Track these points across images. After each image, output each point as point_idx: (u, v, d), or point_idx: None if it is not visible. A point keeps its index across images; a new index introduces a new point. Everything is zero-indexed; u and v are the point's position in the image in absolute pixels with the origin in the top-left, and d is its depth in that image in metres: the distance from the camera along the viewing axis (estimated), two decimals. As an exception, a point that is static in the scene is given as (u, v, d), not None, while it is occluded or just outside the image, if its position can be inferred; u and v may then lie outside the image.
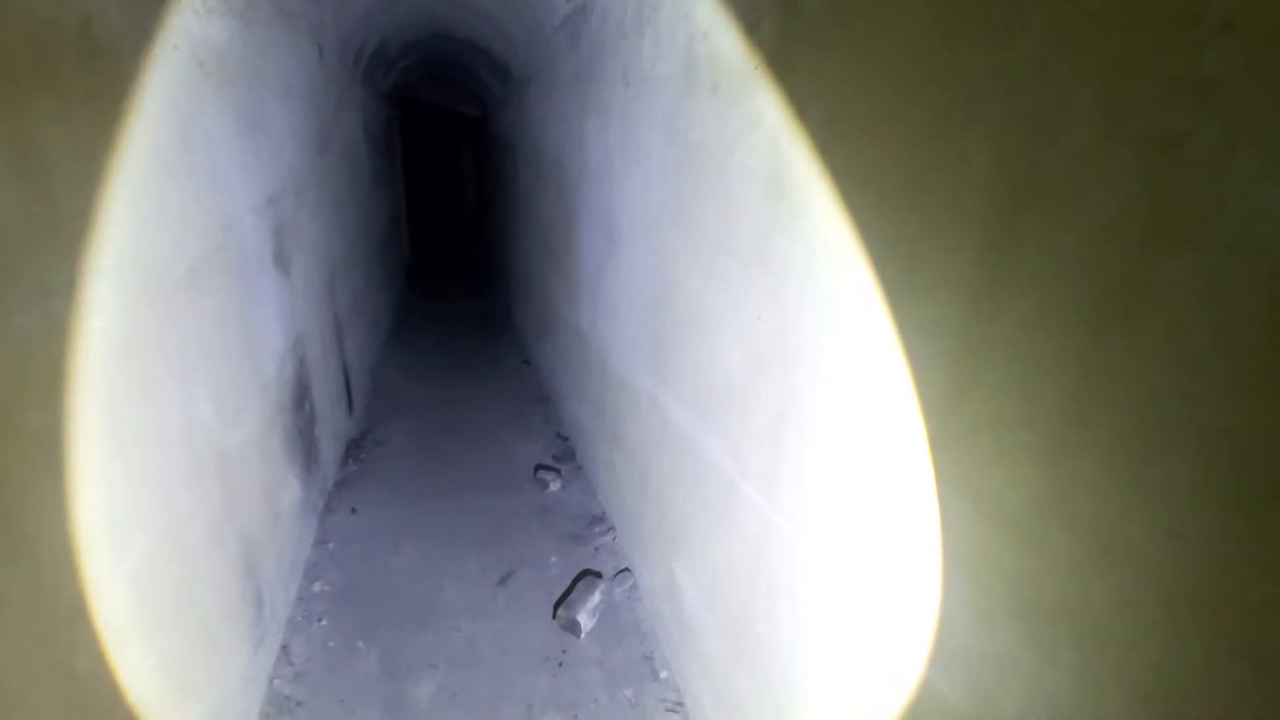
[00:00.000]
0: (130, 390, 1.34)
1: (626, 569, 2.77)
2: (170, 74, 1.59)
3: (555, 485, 3.45)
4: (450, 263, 9.80)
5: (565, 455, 3.79)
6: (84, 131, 1.20)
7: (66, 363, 1.12)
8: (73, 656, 1.12)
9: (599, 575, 2.72)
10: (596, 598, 2.53)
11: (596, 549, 2.97)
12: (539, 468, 3.60)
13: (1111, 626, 0.73)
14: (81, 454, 1.16)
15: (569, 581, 2.72)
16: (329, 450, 3.31)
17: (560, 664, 2.31)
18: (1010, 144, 0.81)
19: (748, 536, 1.63)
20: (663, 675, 2.28)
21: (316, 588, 2.63)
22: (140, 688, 1.32)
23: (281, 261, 2.56)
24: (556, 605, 2.56)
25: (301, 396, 2.79)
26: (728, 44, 1.53)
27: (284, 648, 2.30)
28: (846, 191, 1.14)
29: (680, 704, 2.17)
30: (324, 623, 2.45)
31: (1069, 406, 0.75)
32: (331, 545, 2.92)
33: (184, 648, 1.55)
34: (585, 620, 2.44)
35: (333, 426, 3.41)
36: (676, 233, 1.97)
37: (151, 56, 1.48)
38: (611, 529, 3.06)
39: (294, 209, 2.78)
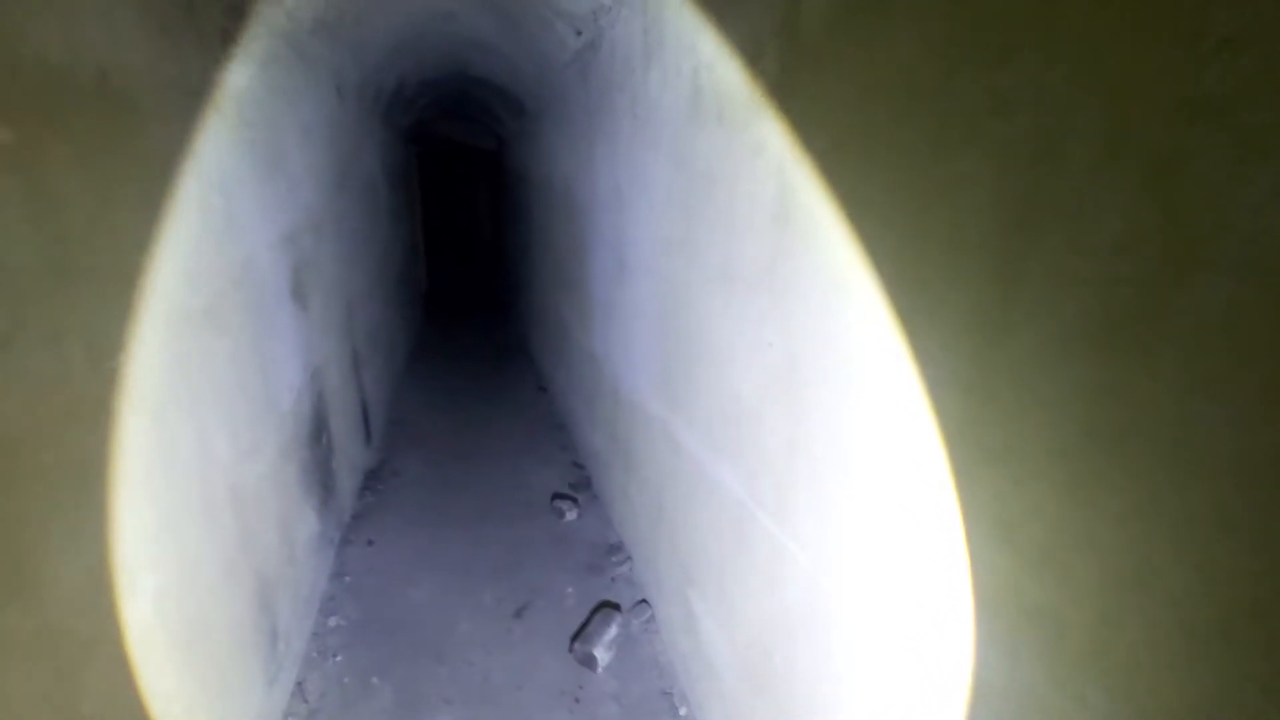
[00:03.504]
0: (144, 427, 1.36)
1: (644, 600, 2.72)
2: (187, 118, 1.64)
3: (572, 514, 3.42)
4: (467, 292, 9.93)
5: (581, 483, 3.77)
6: (100, 178, 1.24)
7: (79, 403, 1.14)
8: (79, 698, 1.11)
9: (616, 607, 2.67)
10: (613, 631, 2.48)
11: (613, 579, 2.92)
12: (555, 496, 3.58)
13: (1138, 663, 0.69)
14: (94, 491, 1.17)
15: (586, 613, 2.68)
16: (346, 482, 3.32)
17: (577, 699, 2.26)
18: (1012, 166, 0.79)
19: (763, 566, 1.59)
20: (682, 712, 2.22)
21: (332, 622, 2.61)
22: (151, 729, 1.31)
23: (300, 296, 2.60)
24: (573, 638, 2.51)
25: (319, 429, 2.82)
26: (731, 74, 1.54)
27: (299, 684, 2.28)
28: (851, 216, 1.14)
29: (700, 741, 2.11)
30: (339, 658, 2.43)
31: (1084, 434, 0.72)
32: (348, 578, 2.91)
33: (196, 687, 1.54)
34: (602, 654, 2.39)
35: (350, 458, 3.43)
36: (684, 259, 1.97)
37: (169, 103, 1.53)
38: (628, 558, 3.02)
39: (313, 245, 2.84)
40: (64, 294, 1.11)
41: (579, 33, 2.88)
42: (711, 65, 1.66)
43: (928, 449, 0.98)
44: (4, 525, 0.96)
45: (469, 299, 9.41)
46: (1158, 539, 0.65)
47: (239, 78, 2.01)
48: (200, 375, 1.65)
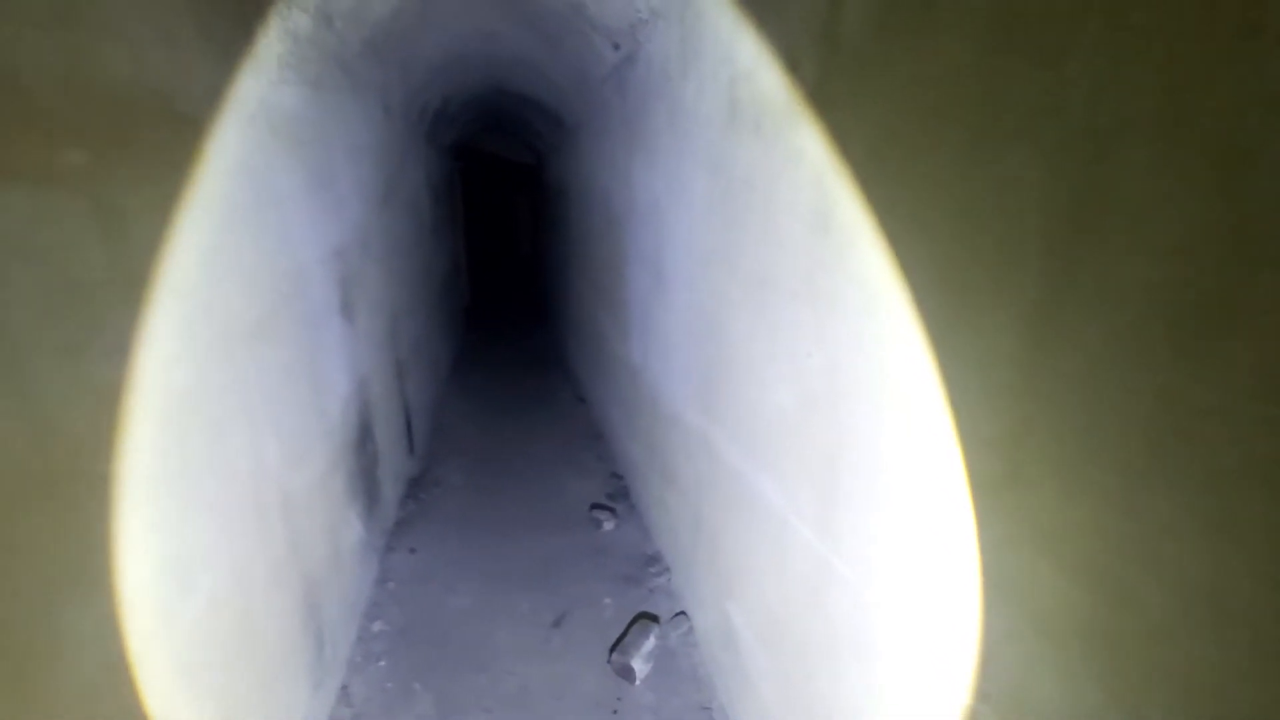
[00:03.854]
0: (200, 435, 1.42)
1: (682, 612, 2.69)
2: (245, 139, 1.71)
3: (609, 525, 3.42)
4: (506, 304, 10.09)
5: (619, 494, 3.77)
6: (163, 196, 1.31)
7: (141, 410, 1.19)
8: (137, 696, 1.16)
9: (654, 619, 2.65)
10: (651, 642, 2.46)
11: (651, 590, 2.90)
12: (593, 506, 3.58)
13: (1203, 684, 0.64)
14: (152, 496, 1.22)
15: (624, 624, 2.66)
16: (390, 490, 3.39)
17: (614, 711, 2.25)
18: (1064, 165, 0.76)
19: (804, 579, 1.56)
20: (721, 727, 2.18)
21: (376, 627, 2.66)
22: (203, 726, 1.35)
23: (347, 309, 2.69)
24: (611, 649, 2.50)
25: (364, 438, 2.89)
26: (769, 83, 1.54)
27: (343, 688, 2.33)
28: (892, 223, 1.11)
29: (740, 759, 2.07)
30: (383, 663, 2.47)
31: (1143, 443, 0.69)
32: (391, 584, 2.96)
33: (244, 688, 1.58)
34: (640, 666, 2.37)
35: (394, 466, 3.51)
36: (723, 269, 1.96)
37: (228, 124, 1.60)
38: (666, 570, 2.99)
39: (359, 260, 2.93)
40: (129, 306, 1.17)
41: (617, 47, 2.91)
42: (749, 75, 1.65)
43: (974, 458, 0.94)
44: (69, 527, 1.01)
45: (509, 311, 9.56)
46: (1227, 554, 0.61)
47: (292, 99, 2.10)
48: (254, 385, 1.71)
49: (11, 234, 0.91)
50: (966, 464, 0.96)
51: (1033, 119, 0.81)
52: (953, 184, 0.95)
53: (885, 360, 1.16)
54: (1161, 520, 0.68)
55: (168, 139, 1.33)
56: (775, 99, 1.51)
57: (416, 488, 3.88)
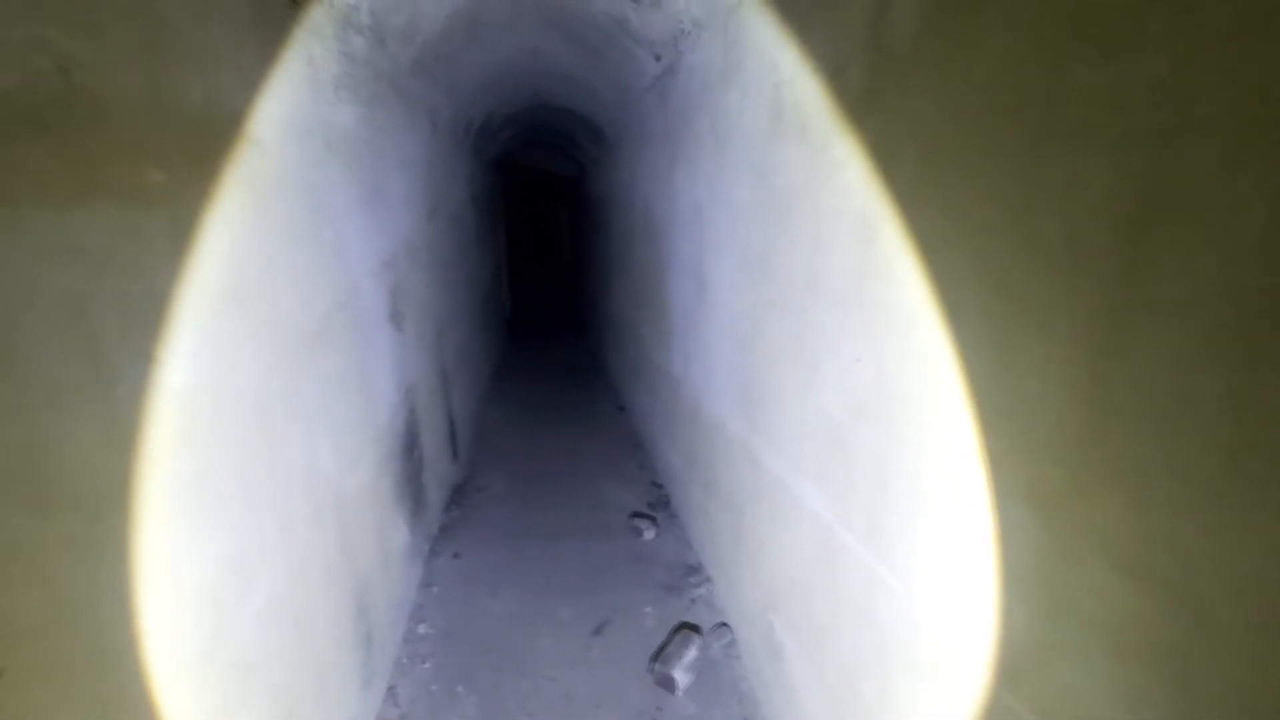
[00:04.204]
0: (260, 438, 1.48)
1: (724, 623, 2.67)
2: (304, 156, 1.79)
3: (650, 533, 3.41)
4: (547, 314, 10.22)
5: (659, 502, 3.76)
6: (232, 211, 1.38)
7: (207, 413, 1.26)
8: (202, 690, 1.21)
9: (696, 629, 2.63)
10: (693, 653, 2.44)
11: (692, 601, 2.89)
12: (633, 515, 3.58)
13: (1303, 719, 0.61)
14: (216, 497, 1.28)
15: (664, 634, 2.65)
16: (435, 495, 3.46)
17: (656, 722, 2.24)
18: (1128, 165, 0.74)
19: (852, 592, 1.53)
20: (764, 741, 2.14)
21: (421, 630, 2.72)
22: (262, 721, 1.40)
23: (396, 318, 2.77)
24: (652, 659, 2.49)
25: (411, 444, 2.96)
26: (815, 89, 1.53)
27: (390, 688, 2.38)
28: (945, 227, 1.09)
29: (784, 775, 2.03)
30: (428, 665, 2.52)
31: (1218, 452, 0.66)
32: (436, 588, 3.02)
33: (300, 685, 1.63)
34: (681, 677, 2.36)
35: (438, 473, 3.58)
36: (766, 276, 1.95)
37: (289, 142, 1.68)
38: (707, 580, 2.97)
39: (408, 270, 3.02)
40: (198, 314, 1.24)
41: (658, 58, 2.94)
42: (793, 82, 1.65)
43: (1033, 467, 0.92)
44: (145, 526, 1.07)
45: (549, 321, 9.68)
46: (1320, 574, 0.58)
47: (347, 117, 2.18)
48: (310, 390, 1.78)
49: (101, 248, 0.98)
50: (1025, 474, 0.93)
51: (1094, 118, 0.79)
52: (1010, 186, 0.93)
53: (938, 366, 1.13)
54: (1239, 534, 0.65)
55: (236, 157, 1.41)
56: (821, 105, 1.51)
57: (460, 494, 3.95)
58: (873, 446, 1.39)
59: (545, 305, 10.98)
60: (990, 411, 1.01)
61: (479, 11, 2.98)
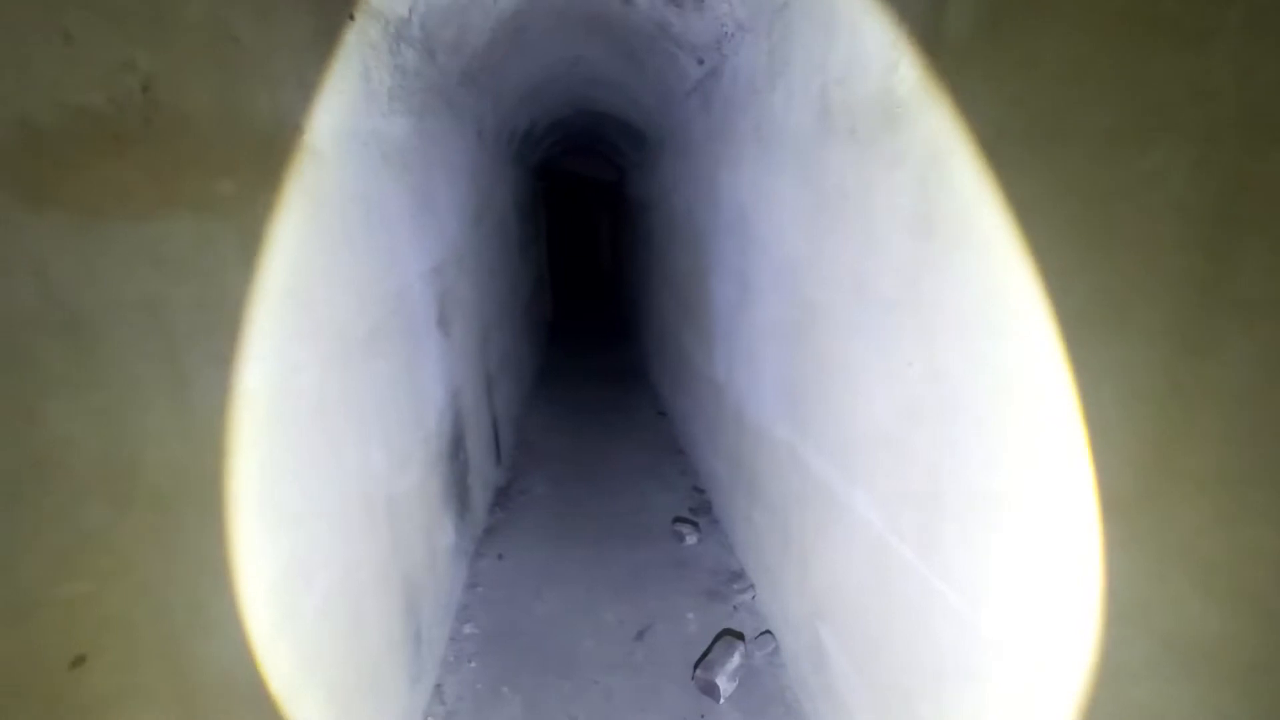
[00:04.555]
0: (319, 438, 1.53)
1: (768, 631, 2.63)
2: (360, 166, 1.85)
3: (692, 539, 3.39)
4: (588, 319, 10.30)
5: (701, 508, 3.74)
6: (294, 219, 1.43)
7: (272, 415, 1.30)
8: (265, 682, 1.25)
9: (739, 636, 2.61)
10: (736, 660, 2.42)
11: (735, 608, 2.86)
12: (675, 520, 3.57)
13: None
14: (280, 496, 1.33)
15: (707, 640, 2.63)
16: (479, 497, 3.52)
17: (700, 729, 2.22)
18: (1213, 156, 0.71)
19: (906, 603, 1.49)
20: (811, 753, 2.10)
21: (467, 629, 2.76)
22: (314, 718, 1.44)
23: (443, 323, 2.83)
24: (695, 665, 2.48)
25: (457, 446, 3.02)
26: (865, 87, 1.51)
27: (438, 686, 2.42)
28: (1010, 222, 1.06)
29: (832, 788, 1.98)
30: (473, 664, 2.55)
31: (1324, 463, 0.62)
32: (481, 589, 3.07)
33: (355, 680, 1.68)
34: (724, 684, 2.33)
35: (483, 475, 3.64)
36: (813, 279, 1.92)
37: (346, 153, 1.74)
38: (751, 587, 2.94)
39: (455, 276, 3.09)
40: (264, 319, 1.29)
41: (701, 62, 2.94)
42: (842, 80, 1.63)
43: (1106, 475, 0.88)
44: (215, 524, 1.12)
45: (590, 326, 9.75)
46: None
47: (400, 128, 2.25)
48: (364, 393, 1.83)
49: (179, 255, 1.03)
50: (1096, 481, 0.89)
51: (1175, 109, 0.75)
52: (1082, 181, 0.89)
53: (998, 368, 1.10)
54: (1342, 549, 0.61)
55: (297, 167, 1.46)
56: (872, 103, 1.48)
57: (503, 496, 4.01)
58: (927, 453, 1.36)
59: (585, 310, 11.07)
60: (1055, 418, 0.97)
61: (523, 22, 3.03)
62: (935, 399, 1.31)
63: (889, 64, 1.40)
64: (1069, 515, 0.95)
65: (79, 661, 0.87)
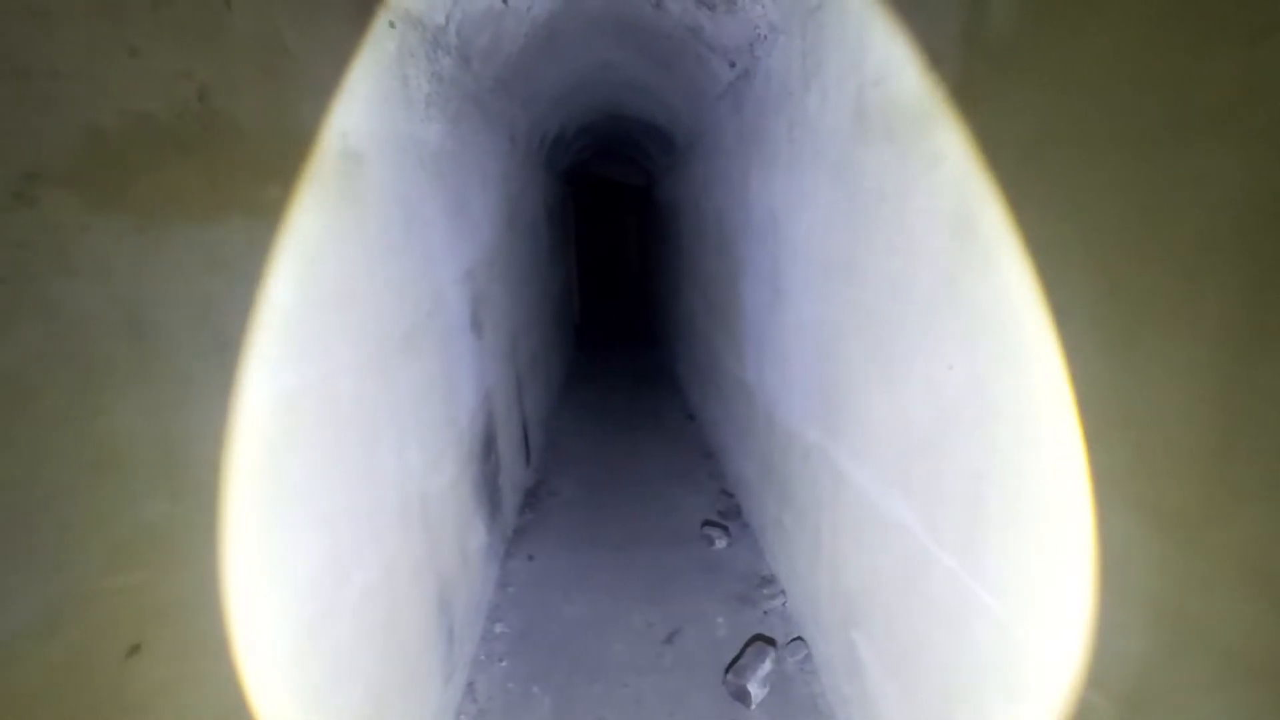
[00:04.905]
0: (357, 437, 1.56)
1: (799, 638, 2.60)
2: (399, 171, 1.89)
3: (721, 543, 3.38)
4: (616, 323, 10.34)
5: (731, 512, 3.72)
6: (336, 223, 1.47)
7: (314, 414, 1.34)
8: (305, 674, 1.28)
9: (770, 642, 2.58)
10: (767, 666, 2.39)
11: (765, 613, 2.83)
12: (705, 524, 3.56)
13: None
14: (320, 493, 1.36)
15: (737, 645, 2.61)
16: (510, 498, 3.55)
17: (730, 734, 2.20)
18: (1264, 158, 0.68)
19: (944, 611, 1.46)
20: (844, 762, 2.07)
21: (498, 629, 2.78)
22: (349, 714, 1.47)
23: (476, 325, 2.87)
24: (725, 670, 2.46)
25: (489, 447, 3.05)
26: (903, 86, 1.49)
27: (469, 684, 2.45)
28: (1051, 226, 1.04)
29: (866, 798, 1.95)
30: (504, 664, 2.57)
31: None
32: (511, 589, 3.09)
33: (390, 675, 1.71)
34: (756, 690, 2.31)
35: (513, 476, 3.67)
36: (847, 282, 1.90)
37: (386, 158, 1.78)
38: (781, 592, 2.91)
39: (486, 280, 3.13)
40: (310, 321, 1.32)
41: (732, 65, 2.94)
42: (879, 81, 1.61)
43: (1160, 483, 0.85)
44: (263, 519, 1.15)
45: (618, 330, 9.79)
46: None
47: (436, 134, 2.29)
48: (401, 393, 1.86)
49: (230, 258, 1.07)
50: (1146, 489, 0.87)
51: (1224, 109, 0.73)
52: (1127, 182, 0.87)
53: (1043, 372, 1.07)
54: None
55: (340, 172, 1.50)
56: (910, 103, 1.46)
57: (533, 498, 4.04)
58: (966, 458, 1.33)
59: (613, 314, 11.11)
60: (1103, 422, 0.94)
61: (555, 29, 3.07)
62: (974, 403, 1.28)
63: (927, 64, 1.38)
64: (1115, 524, 0.92)
65: (134, 650, 0.90)
